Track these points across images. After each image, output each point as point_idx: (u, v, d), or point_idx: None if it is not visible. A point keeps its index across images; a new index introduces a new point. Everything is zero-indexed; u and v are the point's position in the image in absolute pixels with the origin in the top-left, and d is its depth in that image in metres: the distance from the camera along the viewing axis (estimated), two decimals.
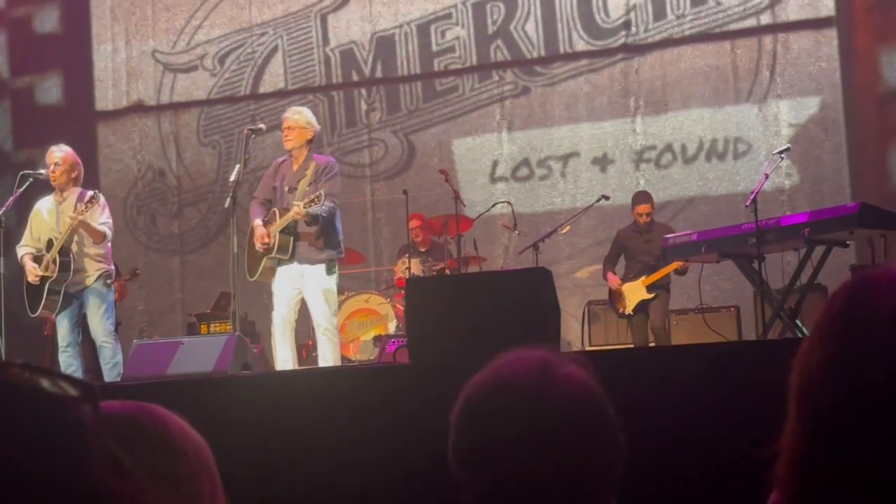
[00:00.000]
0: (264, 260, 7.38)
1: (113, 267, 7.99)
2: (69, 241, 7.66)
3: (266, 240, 7.34)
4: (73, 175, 7.89)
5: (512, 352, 1.61)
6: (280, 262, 7.40)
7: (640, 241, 9.50)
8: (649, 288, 9.25)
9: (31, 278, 7.68)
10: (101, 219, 7.74)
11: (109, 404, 1.38)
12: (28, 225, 8.00)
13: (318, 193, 7.21)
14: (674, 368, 4.25)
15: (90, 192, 7.71)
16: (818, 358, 1.03)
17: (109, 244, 7.92)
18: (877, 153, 11.02)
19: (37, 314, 7.79)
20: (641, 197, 9.73)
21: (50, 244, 7.73)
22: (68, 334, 7.72)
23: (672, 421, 3.95)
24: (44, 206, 7.95)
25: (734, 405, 3.91)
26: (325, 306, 7.39)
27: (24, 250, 7.86)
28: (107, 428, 0.87)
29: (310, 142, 7.57)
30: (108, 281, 7.82)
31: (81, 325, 7.82)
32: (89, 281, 7.73)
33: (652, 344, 9.28)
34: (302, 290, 7.41)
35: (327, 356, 7.36)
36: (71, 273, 7.65)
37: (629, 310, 9.33)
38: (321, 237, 7.39)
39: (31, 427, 0.78)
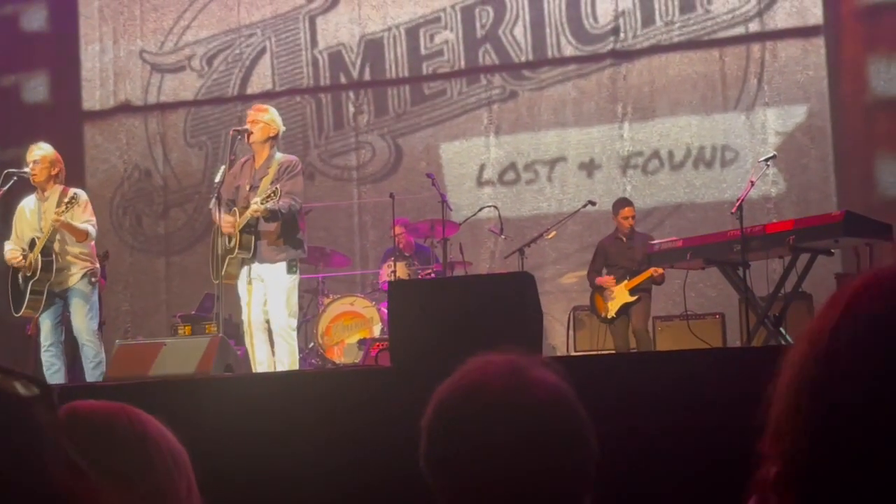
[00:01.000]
0: (228, 260, 7.35)
1: (98, 265, 7.96)
2: (51, 240, 7.63)
3: (231, 229, 7.30)
4: (54, 173, 7.84)
5: (482, 356, 1.60)
6: (243, 262, 7.37)
7: (622, 247, 9.70)
8: (631, 291, 9.39)
9: (15, 263, 7.65)
10: (84, 217, 7.71)
11: (88, 403, 1.37)
12: (13, 225, 7.96)
13: (274, 188, 7.20)
14: (657, 374, 4.24)
15: (72, 191, 7.68)
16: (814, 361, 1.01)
17: (93, 242, 7.89)
18: (863, 162, 11.04)
19: (20, 314, 7.75)
20: (624, 202, 9.95)
21: (33, 243, 7.70)
22: (51, 334, 7.70)
23: (654, 426, 3.95)
24: (27, 206, 7.92)
25: (717, 411, 3.91)
26: (283, 307, 7.35)
27: (8, 247, 7.83)
28: (74, 427, 0.86)
29: (273, 139, 7.56)
30: (93, 279, 7.79)
31: (64, 324, 7.79)
32: (73, 280, 7.70)
33: (633, 348, 9.37)
34: (263, 287, 7.38)
35: (283, 358, 7.33)
36: (53, 273, 7.61)
37: (611, 314, 9.45)
38: (282, 236, 7.37)
39: None
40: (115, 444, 1.32)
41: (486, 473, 1.49)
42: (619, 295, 9.49)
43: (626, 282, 9.46)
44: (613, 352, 9.30)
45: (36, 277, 7.59)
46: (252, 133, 7.48)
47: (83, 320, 7.66)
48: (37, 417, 0.82)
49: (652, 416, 3.99)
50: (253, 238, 7.33)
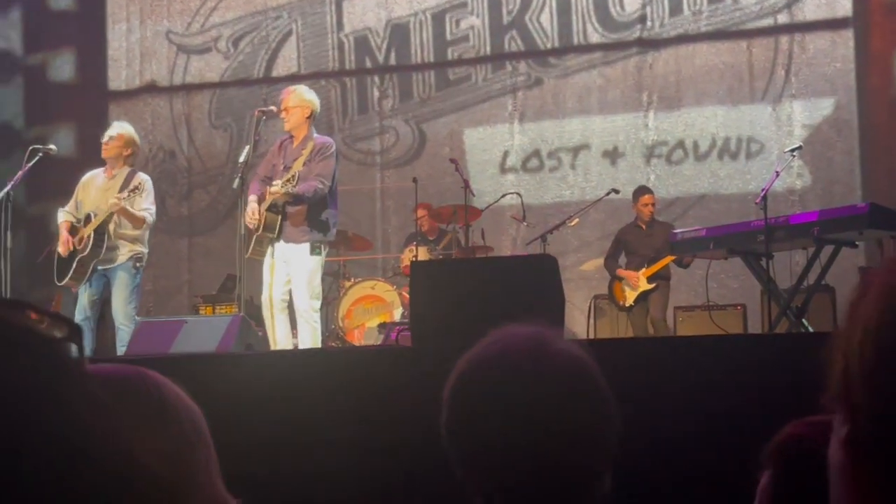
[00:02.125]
0: (255, 237, 7.37)
1: (146, 250, 7.92)
2: (107, 220, 7.63)
3: (256, 216, 7.33)
4: (126, 153, 7.85)
5: (505, 328, 1.60)
6: (270, 241, 7.38)
7: (641, 235, 9.77)
8: (650, 279, 9.41)
9: (61, 249, 7.67)
10: (144, 204, 7.70)
11: (103, 366, 1.37)
12: (74, 193, 7.96)
13: (293, 173, 7.20)
14: (676, 359, 4.23)
15: (139, 178, 7.68)
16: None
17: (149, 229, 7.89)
18: (889, 156, 10.97)
19: (62, 283, 7.73)
20: (644, 189, 10.05)
21: (88, 218, 7.71)
22: (86, 308, 7.63)
23: (672, 412, 3.94)
24: (93, 179, 7.93)
25: (737, 397, 3.89)
26: (306, 288, 7.33)
27: (63, 216, 7.83)
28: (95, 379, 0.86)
29: (308, 118, 7.55)
30: (138, 264, 7.75)
31: (100, 306, 7.75)
32: (120, 259, 7.69)
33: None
34: (286, 267, 7.39)
35: (306, 340, 7.34)
36: (103, 251, 7.62)
37: (630, 302, 9.48)
38: (307, 218, 7.36)
39: (12, 362, 0.77)
40: (130, 405, 1.31)
41: (507, 443, 1.49)
42: (641, 283, 9.53)
43: (644, 269, 9.50)
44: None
45: (85, 253, 7.59)
46: (289, 120, 7.49)
47: (122, 303, 7.63)
48: (64, 356, 0.82)
49: (671, 400, 3.98)
50: (278, 218, 7.33)
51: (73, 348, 0.84)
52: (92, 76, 13.08)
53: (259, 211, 7.33)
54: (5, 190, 7.88)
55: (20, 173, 8.09)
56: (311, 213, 7.37)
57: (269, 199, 7.31)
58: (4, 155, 12.71)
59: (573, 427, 1.50)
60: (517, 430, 1.49)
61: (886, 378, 0.93)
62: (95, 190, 7.83)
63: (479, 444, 1.52)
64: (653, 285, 9.48)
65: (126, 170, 7.80)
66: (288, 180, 7.17)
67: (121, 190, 7.56)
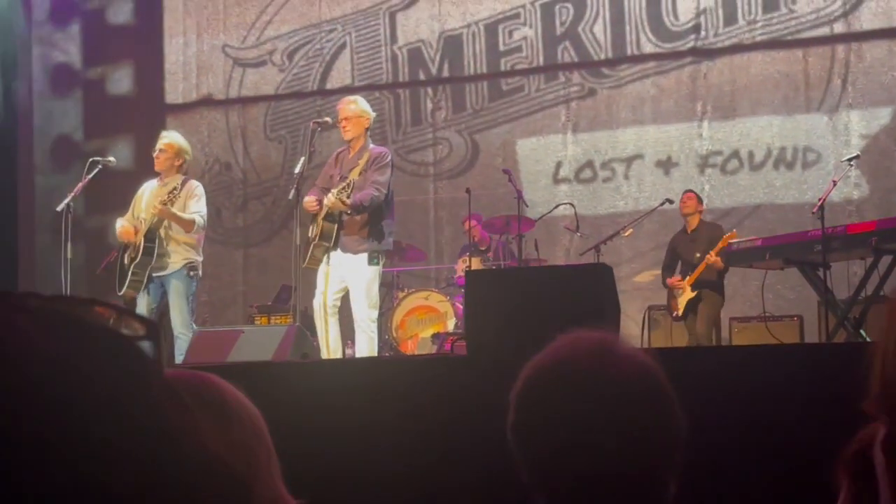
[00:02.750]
0: (312, 246, 7.39)
1: (201, 258, 7.96)
2: (157, 226, 7.69)
3: (314, 205, 7.35)
4: (178, 163, 7.90)
5: (571, 333, 1.61)
6: (326, 250, 7.40)
7: (685, 240, 9.66)
8: (693, 286, 9.28)
9: (124, 238, 7.71)
10: (195, 207, 7.75)
11: (166, 371, 1.39)
12: (132, 204, 8.07)
13: (348, 181, 7.23)
14: (731, 369, 4.21)
15: (189, 184, 7.75)
16: None
17: (203, 233, 7.94)
18: None
19: (122, 293, 7.78)
20: (687, 190, 9.92)
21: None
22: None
23: (727, 422, 3.92)
24: (147, 188, 8.01)
25: (795, 407, 3.86)
26: (364, 298, 7.33)
27: (119, 223, 7.90)
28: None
29: (367, 129, 7.59)
30: (192, 272, 7.75)
31: (158, 315, 7.77)
32: (173, 267, 7.71)
33: None
34: (344, 279, 7.41)
35: (363, 349, 7.35)
36: (154, 257, 7.66)
37: (681, 311, 9.38)
38: (364, 227, 7.35)
39: (94, 359, 0.79)
40: (194, 406, 1.33)
41: (573, 447, 1.50)
42: (685, 292, 9.41)
43: (689, 277, 9.40)
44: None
45: (137, 260, 7.67)
46: (348, 131, 7.52)
47: (179, 312, 7.65)
48: (142, 353, 0.84)
49: (726, 410, 3.95)
50: (335, 227, 7.35)
51: (152, 346, 0.86)
52: (149, 89, 13.26)
53: (318, 209, 7.36)
54: (65, 202, 7.98)
55: (80, 185, 8.20)
56: (367, 223, 7.38)
57: (324, 210, 7.35)
58: (64, 167, 12.91)
59: (639, 433, 1.50)
60: (583, 434, 1.50)
61: None
62: (148, 199, 7.91)
63: (545, 447, 1.53)
64: (695, 293, 9.34)
65: (179, 178, 7.87)
66: (343, 189, 7.20)
67: (168, 195, 7.63)
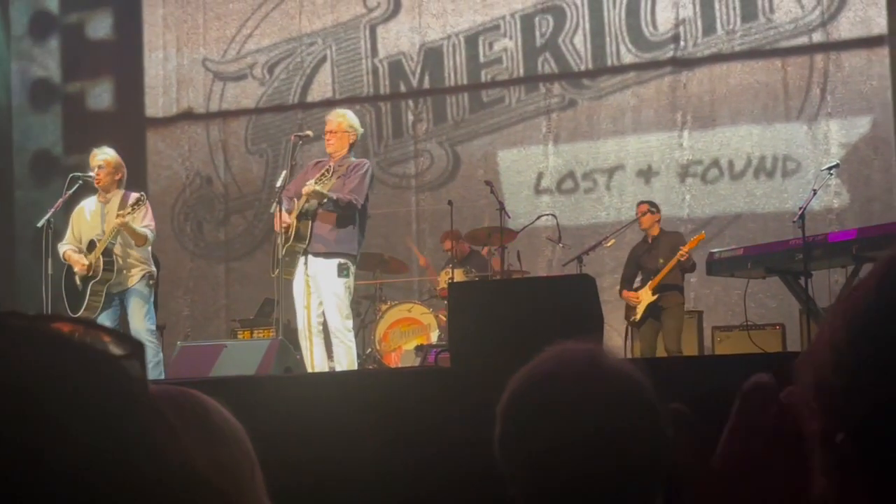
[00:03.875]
0: (286, 250, 7.35)
1: (154, 269, 8.01)
2: (113, 242, 7.71)
3: (287, 221, 7.33)
4: (118, 177, 7.95)
5: (558, 345, 1.61)
6: (300, 252, 7.36)
7: (646, 249, 9.64)
8: (655, 289, 9.25)
9: (77, 269, 7.73)
10: (145, 221, 7.78)
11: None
12: (70, 225, 8.06)
13: (327, 166, 7.22)
14: (714, 378, 4.21)
15: (135, 195, 7.76)
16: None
17: (150, 247, 7.97)
18: None
19: (78, 315, 7.81)
20: (641, 202, 9.87)
21: (91, 245, 7.79)
22: None
23: (712, 431, 3.92)
24: (87, 207, 8.01)
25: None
26: (337, 310, 7.33)
27: (65, 247, 7.92)
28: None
29: (352, 146, 7.59)
30: (151, 282, 7.84)
31: (121, 327, 7.82)
32: (132, 282, 7.75)
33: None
34: (316, 291, 7.39)
35: (341, 360, 7.35)
36: (115, 273, 7.69)
37: (638, 317, 9.34)
38: (335, 228, 7.34)
39: (81, 380, 0.79)
40: (177, 421, 1.33)
41: (561, 459, 1.50)
42: (644, 296, 9.37)
43: (650, 282, 9.35)
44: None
45: (97, 278, 7.66)
46: (331, 143, 7.50)
47: (141, 321, 7.70)
48: (128, 373, 0.84)
49: (709, 420, 3.95)
50: (309, 224, 7.34)
51: (136, 365, 0.86)
52: (129, 104, 13.23)
53: (289, 219, 7.34)
54: (46, 217, 7.95)
55: (60, 201, 8.15)
56: (341, 226, 7.36)
57: (300, 204, 7.31)
58: (44, 182, 12.87)
59: (627, 444, 1.50)
60: (571, 445, 1.49)
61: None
62: (93, 216, 7.90)
63: (532, 459, 1.52)
64: (655, 296, 9.30)
65: (120, 192, 7.89)
66: (322, 176, 7.18)
67: (119, 209, 7.63)
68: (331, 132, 7.53)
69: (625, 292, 9.60)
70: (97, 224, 7.86)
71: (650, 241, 9.63)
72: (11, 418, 0.72)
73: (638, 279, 9.67)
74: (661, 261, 9.27)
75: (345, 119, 7.60)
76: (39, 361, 0.76)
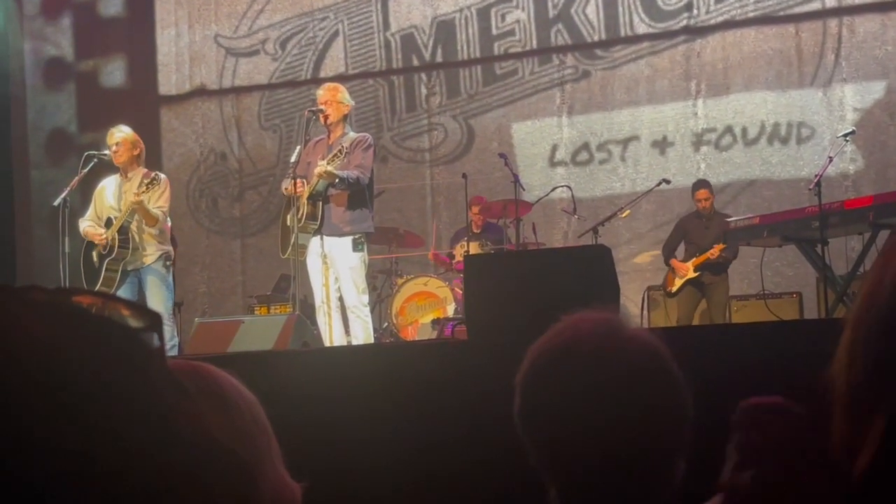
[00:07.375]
0: (297, 232, 7.37)
1: (171, 248, 8.03)
2: (129, 220, 7.73)
3: (300, 187, 7.33)
4: (135, 153, 7.94)
5: (575, 314, 1.61)
6: (314, 232, 7.38)
7: (699, 226, 9.71)
8: (697, 268, 9.37)
9: (97, 241, 7.76)
10: (159, 203, 7.77)
11: None
12: (92, 201, 8.09)
13: (340, 147, 7.23)
14: (732, 345, 4.21)
15: (153, 174, 7.77)
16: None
17: (169, 224, 7.99)
18: None
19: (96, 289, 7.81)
20: (700, 184, 9.93)
21: (109, 222, 7.81)
22: None
23: (729, 399, 3.92)
24: (108, 185, 8.03)
25: (796, 383, 3.86)
26: (353, 284, 7.36)
27: (85, 223, 7.94)
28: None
29: (346, 117, 7.59)
30: (168, 262, 7.86)
31: None
32: (148, 260, 7.76)
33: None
34: (332, 267, 7.41)
35: (358, 335, 7.38)
36: (130, 251, 7.71)
37: (675, 288, 9.47)
38: (348, 209, 7.37)
39: (101, 352, 0.80)
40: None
41: (580, 428, 1.50)
42: (688, 273, 9.53)
43: (693, 259, 9.49)
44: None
45: (112, 255, 7.68)
46: (328, 115, 7.51)
47: (159, 301, 7.71)
48: (146, 344, 0.85)
49: (728, 387, 3.95)
50: (320, 204, 7.36)
51: (154, 337, 0.87)
52: (142, 81, 13.23)
53: (301, 198, 7.35)
54: (62, 196, 7.98)
55: (76, 179, 8.19)
56: (352, 204, 7.38)
57: (311, 186, 7.32)
58: (59, 161, 12.91)
59: (646, 412, 1.51)
60: (590, 415, 1.50)
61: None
62: (113, 195, 7.92)
63: (552, 429, 1.53)
64: (697, 274, 9.43)
65: (141, 170, 7.90)
66: (334, 157, 7.19)
67: (137, 188, 7.64)
68: (325, 103, 7.53)
69: (673, 261, 9.70)
70: (116, 202, 7.88)
71: (704, 219, 9.67)
72: (34, 389, 0.73)
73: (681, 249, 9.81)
74: (713, 242, 9.36)
75: (338, 91, 7.62)
76: (60, 334, 0.77)
